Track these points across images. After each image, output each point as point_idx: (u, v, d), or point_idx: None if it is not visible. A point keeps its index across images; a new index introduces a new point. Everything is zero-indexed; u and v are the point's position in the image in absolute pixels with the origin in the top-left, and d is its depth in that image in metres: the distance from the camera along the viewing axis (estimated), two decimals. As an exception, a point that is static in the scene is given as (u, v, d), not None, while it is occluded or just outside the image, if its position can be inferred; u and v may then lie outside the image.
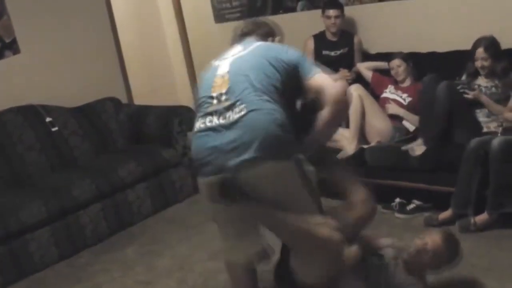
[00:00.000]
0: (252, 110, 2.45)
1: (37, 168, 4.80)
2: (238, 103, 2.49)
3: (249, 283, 2.91)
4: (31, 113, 4.98)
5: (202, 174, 2.59)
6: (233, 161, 2.41)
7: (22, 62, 5.17)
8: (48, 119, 5.01)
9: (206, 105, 2.62)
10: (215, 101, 2.58)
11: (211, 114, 2.57)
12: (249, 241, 2.67)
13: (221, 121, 2.51)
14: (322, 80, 2.59)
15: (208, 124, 2.55)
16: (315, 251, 2.54)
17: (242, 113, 2.46)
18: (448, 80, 3.97)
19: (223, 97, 2.56)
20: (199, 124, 2.61)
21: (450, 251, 2.93)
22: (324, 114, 2.59)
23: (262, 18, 3.04)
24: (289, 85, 2.60)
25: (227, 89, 2.57)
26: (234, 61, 2.67)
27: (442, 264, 2.92)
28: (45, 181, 4.64)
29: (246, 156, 2.39)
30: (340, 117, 2.80)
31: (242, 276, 2.89)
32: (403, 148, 4.07)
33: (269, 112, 2.46)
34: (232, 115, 2.48)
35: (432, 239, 2.92)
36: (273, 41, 2.93)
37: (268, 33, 2.94)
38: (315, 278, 2.57)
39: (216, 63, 2.77)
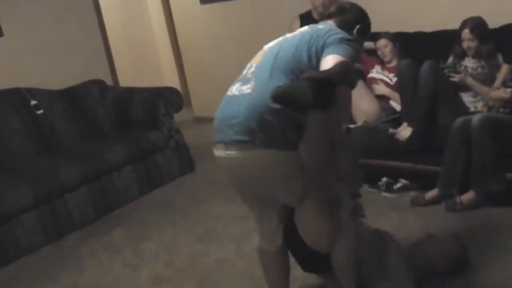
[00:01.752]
0: (259, 89, 2.34)
1: (22, 152, 4.77)
2: (253, 79, 2.42)
3: (282, 274, 2.81)
4: (15, 97, 4.93)
5: (216, 145, 2.48)
6: (230, 137, 2.36)
7: (5, 45, 5.13)
8: (33, 102, 4.97)
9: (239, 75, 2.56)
10: (244, 71, 2.53)
11: (236, 82, 2.51)
12: (275, 225, 2.66)
13: (236, 92, 2.45)
14: (330, 63, 2.32)
15: (229, 93, 2.50)
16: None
17: (249, 90, 2.38)
18: (430, 60, 3.96)
19: (250, 70, 2.49)
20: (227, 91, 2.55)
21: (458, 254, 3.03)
22: None
23: (353, 4, 2.70)
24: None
25: (257, 63, 2.49)
26: (283, 40, 2.57)
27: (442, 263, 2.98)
28: (30, 165, 4.61)
29: (239, 137, 2.34)
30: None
31: (274, 264, 2.80)
32: (391, 131, 4.07)
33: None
34: (245, 89, 2.41)
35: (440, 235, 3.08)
36: (350, 32, 2.58)
37: (348, 22, 2.61)
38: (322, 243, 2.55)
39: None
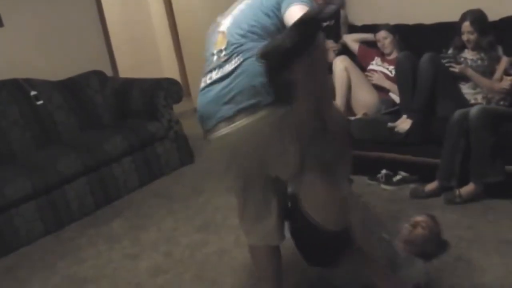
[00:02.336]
0: (248, 58, 2.31)
1: (21, 143, 4.77)
2: (234, 55, 2.38)
3: (274, 267, 2.76)
4: (15, 88, 4.91)
5: (209, 130, 2.43)
6: (234, 109, 2.31)
7: (5, 35, 5.11)
8: (32, 93, 4.96)
9: (208, 63, 2.53)
10: (215, 58, 2.49)
11: (211, 71, 2.47)
12: (269, 217, 2.60)
13: (219, 74, 2.41)
14: (296, 14, 2.25)
15: (208, 81, 2.46)
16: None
17: (238, 62, 2.34)
18: (430, 52, 3.95)
19: (222, 53, 2.45)
20: (201, 84, 2.51)
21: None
22: None
23: None
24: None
25: (225, 44, 2.46)
26: (234, 17, 2.54)
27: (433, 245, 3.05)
28: (30, 155, 4.62)
29: (245, 103, 2.28)
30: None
31: (266, 259, 2.74)
32: (389, 125, 4.06)
33: None
34: (229, 67, 2.37)
35: (423, 219, 3.10)
36: None
37: None
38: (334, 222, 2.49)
39: (219, 19, 2.64)
